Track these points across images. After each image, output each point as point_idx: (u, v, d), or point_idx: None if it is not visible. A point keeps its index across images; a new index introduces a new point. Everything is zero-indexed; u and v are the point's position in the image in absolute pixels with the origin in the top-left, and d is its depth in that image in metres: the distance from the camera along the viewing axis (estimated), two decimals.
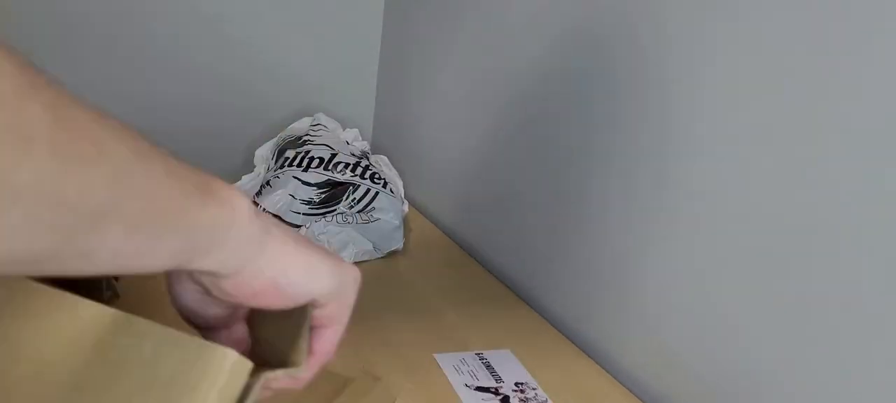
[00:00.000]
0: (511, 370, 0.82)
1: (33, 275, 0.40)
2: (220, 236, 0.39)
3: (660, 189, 0.80)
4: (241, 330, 0.50)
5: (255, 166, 1.14)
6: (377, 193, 1.05)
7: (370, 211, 1.04)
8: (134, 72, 1.19)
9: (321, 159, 1.05)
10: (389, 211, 1.05)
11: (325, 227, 1.00)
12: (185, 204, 0.36)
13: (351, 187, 1.04)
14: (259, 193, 1.03)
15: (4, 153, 0.27)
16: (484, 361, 0.83)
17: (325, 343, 0.49)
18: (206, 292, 0.44)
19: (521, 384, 0.81)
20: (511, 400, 0.77)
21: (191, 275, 0.44)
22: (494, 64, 1.06)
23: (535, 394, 0.79)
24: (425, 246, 1.11)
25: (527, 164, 1.01)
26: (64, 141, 0.30)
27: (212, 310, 0.47)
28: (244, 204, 0.40)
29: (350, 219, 1.03)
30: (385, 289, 0.97)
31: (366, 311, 0.90)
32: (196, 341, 0.40)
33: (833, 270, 0.64)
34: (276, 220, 0.44)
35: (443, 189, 1.21)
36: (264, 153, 1.15)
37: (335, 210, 1.03)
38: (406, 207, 1.10)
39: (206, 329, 0.48)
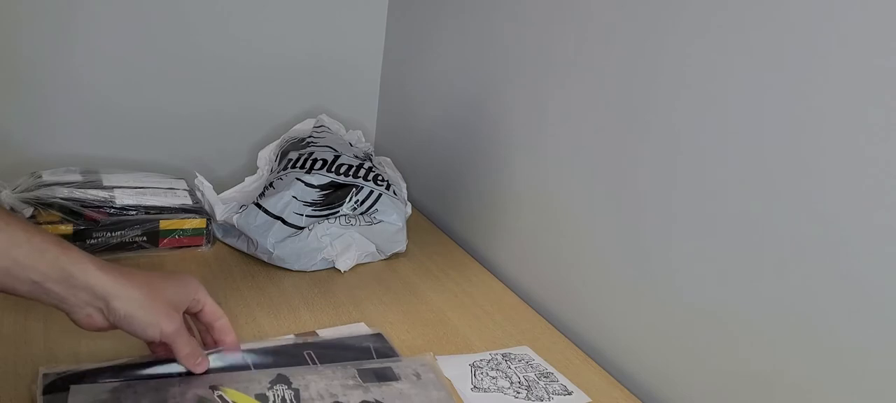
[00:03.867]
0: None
1: None
2: None
3: (665, 190, 0.80)
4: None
5: (258, 168, 1.14)
6: (380, 195, 1.05)
7: (373, 213, 1.04)
8: (137, 75, 1.19)
9: (324, 161, 1.05)
10: (392, 213, 1.05)
11: (327, 229, 1.00)
12: None
13: (354, 189, 1.04)
14: (262, 195, 1.03)
15: None
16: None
17: None
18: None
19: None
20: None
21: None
22: (498, 66, 1.06)
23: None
24: (428, 248, 1.10)
25: (530, 168, 1.01)
26: None
27: None
28: None
29: (353, 221, 1.03)
30: (387, 292, 0.97)
31: (368, 313, 0.91)
32: None
33: (836, 269, 0.64)
34: None
35: (446, 191, 1.21)
36: (267, 155, 1.15)
37: (338, 212, 1.03)
38: (409, 209, 1.10)
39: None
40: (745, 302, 0.72)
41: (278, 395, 0.69)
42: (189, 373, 0.70)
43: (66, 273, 0.61)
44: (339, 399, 0.70)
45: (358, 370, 0.75)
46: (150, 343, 0.72)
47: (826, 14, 0.63)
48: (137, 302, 0.64)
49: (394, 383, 0.74)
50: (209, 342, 0.74)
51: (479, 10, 1.10)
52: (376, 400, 0.71)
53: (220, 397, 0.67)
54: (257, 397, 0.68)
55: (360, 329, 0.86)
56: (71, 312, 0.63)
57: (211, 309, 0.72)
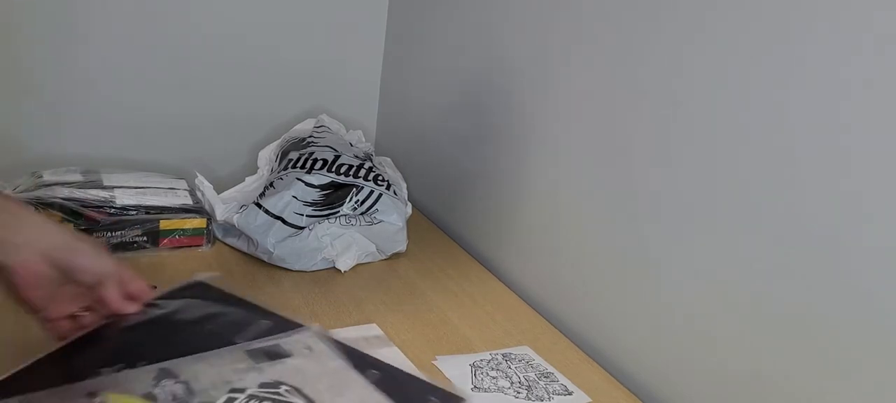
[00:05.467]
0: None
1: None
2: None
3: (665, 191, 0.80)
4: None
5: (258, 167, 1.14)
6: (380, 195, 1.05)
7: (373, 213, 1.04)
8: (137, 75, 1.19)
9: (325, 161, 1.05)
10: (393, 213, 1.05)
11: (328, 229, 1.00)
12: None
13: (354, 189, 1.04)
14: (262, 194, 1.03)
15: None
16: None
17: None
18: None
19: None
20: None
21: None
22: (499, 66, 1.06)
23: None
24: (428, 248, 1.10)
25: (531, 168, 1.01)
26: None
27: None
28: None
29: (353, 221, 1.03)
30: (387, 292, 0.97)
31: (368, 313, 0.90)
32: None
33: (837, 270, 0.64)
34: None
35: (446, 191, 1.21)
36: (268, 154, 1.15)
37: (338, 212, 1.02)
38: (409, 209, 1.10)
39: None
40: (745, 302, 0.72)
41: (167, 391, 0.64)
42: (63, 383, 0.65)
43: (12, 216, 0.63)
44: (236, 386, 0.65)
45: (246, 352, 0.70)
46: (48, 321, 0.68)
47: (832, 13, 0.63)
48: (82, 238, 0.67)
49: (287, 359, 0.70)
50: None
51: (479, 9, 1.10)
52: (276, 380, 0.66)
53: None
54: (145, 396, 0.63)
55: (372, 330, 0.86)
56: (12, 257, 0.61)
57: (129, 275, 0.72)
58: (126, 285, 0.70)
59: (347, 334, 0.84)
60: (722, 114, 0.73)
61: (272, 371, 0.68)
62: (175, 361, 0.68)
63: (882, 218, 0.60)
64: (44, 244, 0.62)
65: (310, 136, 1.12)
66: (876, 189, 0.60)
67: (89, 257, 0.65)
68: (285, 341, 0.73)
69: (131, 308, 0.70)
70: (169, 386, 0.65)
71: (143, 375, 0.66)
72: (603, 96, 0.88)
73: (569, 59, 0.93)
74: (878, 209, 0.60)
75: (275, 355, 0.70)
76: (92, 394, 0.63)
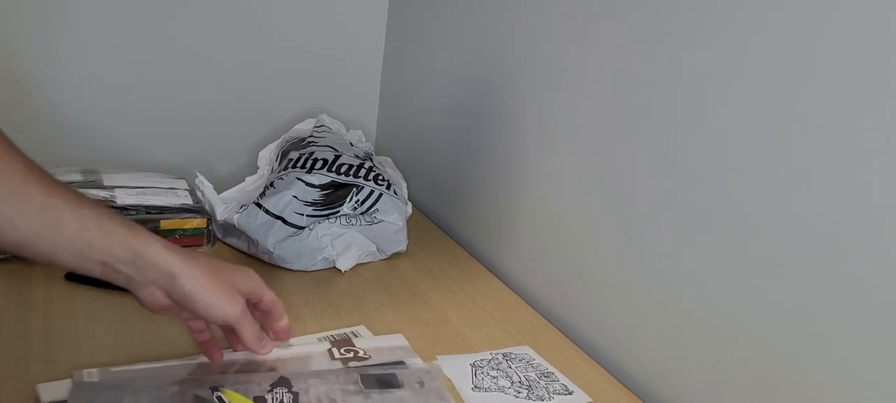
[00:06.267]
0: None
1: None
2: None
3: (666, 191, 0.80)
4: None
5: (258, 167, 1.14)
6: (381, 195, 1.05)
7: (374, 212, 1.04)
8: (137, 74, 1.19)
9: (325, 161, 1.05)
10: (393, 212, 1.05)
11: (328, 229, 1.00)
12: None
13: (354, 189, 1.04)
14: (263, 194, 1.03)
15: None
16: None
17: None
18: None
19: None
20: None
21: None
22: (499, 66, 1.06)
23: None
24: (428, 248, 1.10)
25: (532, 168, 1.01)
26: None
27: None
28: None
29: (354, 221, 1.03)
30: (388, 292, 0.97)
31: (368, 313, 0.90)
32: None
33: (836, 268, 0.64)
34: None
35: (446, 191, 1.21)
36: (268, 154, 1.15)
37: (339, 211, 1.02)
38: (409, 209, 1.10)
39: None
40: (745, 302, 0.72)
41: (277, 398, 0.69)
42: (197, 371, 0.71)
43: (134, 253, 0.62)
44: None
45: (361, 375, 0.75)
46: (226, 332, 0.73)
47: (826, 12, 0.63)
48: (202, 282, 0.65)
49: (396, 390, 0.73)
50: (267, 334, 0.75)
51: (479, 9, 1.10)
52: None
53: (219, 398, 0.68)
54: (256, 399, 0.68)
55: (398, 340, 0.84)
56: (136, 290, 0.64)
57: (270, 298, 0.73)
58: (272, 320, 0.73)
59: (374, 343, 0.83)
60: (723, 116, 0.73)
61: (377, 398, 0.72)
62: (295, 372, 0.73)
63: (882, 218, 0.60)
64: (165, 284, 0.64)
65: (310, 136, 1.12)
66: (876, 189, 0.60)
67: (206, 308, 0.66)
68: (401, 371, 0.77)
69: (263, 350, 0.72)
70: (280, 394, 0.70)
71: (263, 380, 0.72)
72: (603, 96, 0.88)
73: (569, 59, 0.93)
74: (878, 210, 0.60)
75: (386, 384, 0.74)
76: (213, 388, 0.69)
